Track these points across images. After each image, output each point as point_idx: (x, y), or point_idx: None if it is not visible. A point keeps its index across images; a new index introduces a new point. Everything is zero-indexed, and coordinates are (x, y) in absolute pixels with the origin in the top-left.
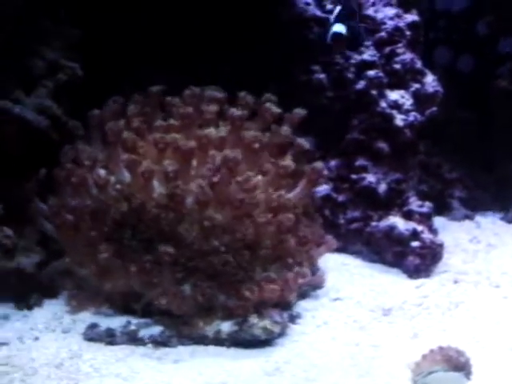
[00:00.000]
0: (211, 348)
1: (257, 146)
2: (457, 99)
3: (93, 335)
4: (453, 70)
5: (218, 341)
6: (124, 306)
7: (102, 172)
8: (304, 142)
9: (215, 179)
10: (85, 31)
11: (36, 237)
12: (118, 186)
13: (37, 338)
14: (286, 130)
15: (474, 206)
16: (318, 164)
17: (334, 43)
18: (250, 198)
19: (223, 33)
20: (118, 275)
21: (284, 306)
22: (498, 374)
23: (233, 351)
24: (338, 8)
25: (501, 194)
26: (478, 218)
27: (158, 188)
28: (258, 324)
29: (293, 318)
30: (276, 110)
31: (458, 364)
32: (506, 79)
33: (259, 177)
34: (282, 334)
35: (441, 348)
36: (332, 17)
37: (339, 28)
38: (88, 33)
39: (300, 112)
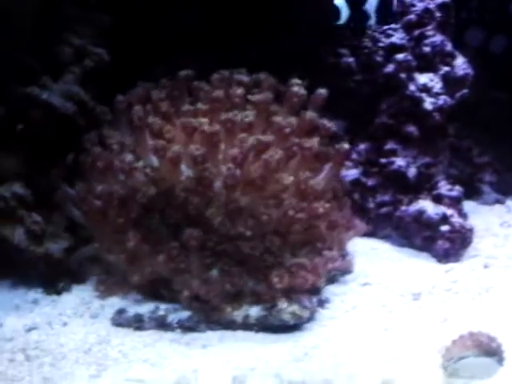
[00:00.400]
0: (240, 333)
1: (287, 130)
2: (489, 80)
3: (121, 321)
4: (485, 51)
5: (247, 326)
6: (152, 291)
7: (130, 157)
8: (330, 124)
9: (243, 162)
10: (116, 16)
11: (64, 223)
12: (147, 171)
13: (65, 323)
14: (311, 113)
15: (505, 190)
16: (344, 145)
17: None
18: (274, 178)
19: (251, 19)
20: (146, 261)
21: (313, 290)
22: None
23: (261, 336)
24: None
25: None
26: (509, 202)
27: (186, 172)
28: (286, 309)
29: (322, 303)
30: (303, 92)
31: (490, 350)
32: None
33: (282, 156)
34: (310, 319)
35: (471, 333)
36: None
37: (338, 2)
38: (119, 18)
39: (322, 92)
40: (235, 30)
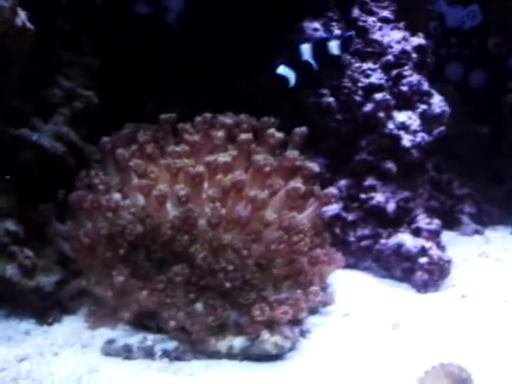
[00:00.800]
0: (224, 362)
1: (267, 169)
2: (469, 115)
3: (110, 350)
4: (465, 86)
5: (231, 355)
6: (141, 322)
7: (117, 196)
8: (313, 166)
9: (224, 201)
10: (107, 58)
11: (55, 257)
12: (133, 210)
13: (56, 353)
14: (293, 153)
15: (485, 221)
16: (331, 189)
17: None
18: (257, 215)
19: (239, 56)
20: (133, 296)
21: (295, 321)
22: None
23: (245, 365)
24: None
25: (510, 209)
26: (489, 232)
27: (171, 211)
28: (269, 339)
29: (303, 333)
30: (279, 135)
31: (460, 380)
32: None
33: (267, 196)
34: (292, 349)
35: (442, 364)
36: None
37: (284, 71)
38: (110, 59)
39: (302, 130)
40: (222, 68)
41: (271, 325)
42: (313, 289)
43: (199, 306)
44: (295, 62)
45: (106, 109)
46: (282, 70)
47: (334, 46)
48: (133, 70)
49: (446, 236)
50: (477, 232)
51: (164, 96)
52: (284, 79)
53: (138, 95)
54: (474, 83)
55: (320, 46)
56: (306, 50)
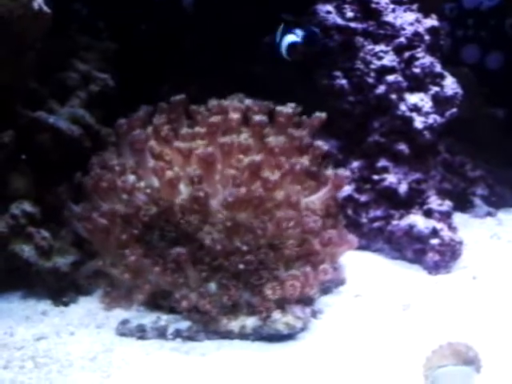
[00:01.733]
0: (236, 342)
1: (277, 150)
2: (485, 97)
3: (124, 330)
4: (481, 68)
5: (243, 335)
6: (155, 302)
7: (132, 178)
8: (322, 144)
9: (240, 181)
10: (123, 41)
11: (71, 238)
12: (148, 191)
13: (72, 333)
14: (302, 133)
15: (497, 203)
16: (342, 171)
17: (291, 54)
18: (269, 196)
19: (251, 39)
20: (147, 275)
21: (307, 301)
22: (508, 370)
23: (257, 345)
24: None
25: None
26: (501, 214)
27: (184, 192)
28: (280, 319)
29: (315, 313)
30: (287, 110)
31: (467, 358)
32: None
33: (279, 177)
34: (304, 329)
35: (450, 343)
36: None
37: (292, 38)
38: (126, 43)
39: (320, 116)
40: (237, 52)
41: (283, 304)
42: (323, 267)
43: (212, 286)
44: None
45: (122, 91)
46: (291, 38)
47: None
48: (149, 54)
49: (459, 218)
50: (489, 214)
51: (179, 79)
52: (295, 47)
53: (153, 78)
54: (491, 65)
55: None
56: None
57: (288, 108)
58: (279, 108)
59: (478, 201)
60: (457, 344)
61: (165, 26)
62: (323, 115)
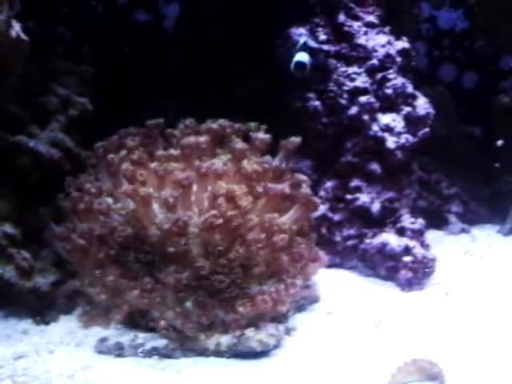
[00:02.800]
0: (212, 359)
1: (254, 175)
2: (460, 115)
3: (103, 348)
4: (457, 87)
5: (218, 353)
6: (132, 321)
7: (109, 200)
8: (301, 176)
9: (218, 209)
10: (106, 65)
11: (52, 259)
12: (123, 212)
13: (52, 351)
14: (280, 158)
15: (472, 220)
16: (307, 190)
17: (296, 71)
18: (243, 222)
19: (232, 62)
20: (125, 295)
21: (280, 319)
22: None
23: (232, 362)
24: (303, 39)
25: (498, 208)
26: (476, 231)
27: (159, 214)
28: (254, 337)
29: (289, 331)
30: (265, 137)
31: (431, 374)
32: (507, 95)
33: (251, 203)
34: (277, 346)
35: (414, 360)
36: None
37: (302, 57)
38: (109, 67)
39: (295, 140)
40: (217, 74)
41: (257, 322)
42: (294, 282)
43: (189, 305)
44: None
45: (104, 114)
46: (301, 56)
47: None
48: (131, 77)
49: (433, 235)
50: (463, 231)
51: (160, 102)
52: (301, 66)
53: (135, 101)
54: (466, 84)
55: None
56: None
57: (264, 135)
58: (255, 134)
59: (452, 218)
60: (421, 360)
61: (147, 49)
62: (297, 140)
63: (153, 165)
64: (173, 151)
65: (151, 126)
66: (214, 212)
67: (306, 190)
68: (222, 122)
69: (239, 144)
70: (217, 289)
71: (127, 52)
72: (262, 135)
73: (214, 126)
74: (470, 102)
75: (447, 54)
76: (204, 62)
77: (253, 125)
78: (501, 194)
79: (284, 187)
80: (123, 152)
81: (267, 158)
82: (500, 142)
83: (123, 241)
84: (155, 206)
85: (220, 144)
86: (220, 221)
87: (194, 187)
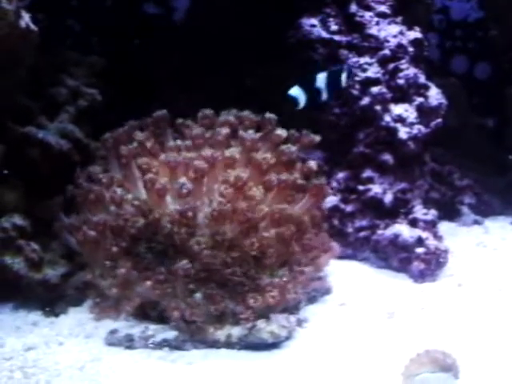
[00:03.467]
0: (223, 351)
1: (265, 166)
2: (473, 107)
3: (113, 340)
4: (470, 78)
5: (229, 344)
6: (143, 313)
7: (120, 190)
8: (312, 164)
9: (225, 197)
10: (115, 57)
11: (62, 250)
12: (136, 202)
13: (61, 343)
14: (291, 150)
15: (485, 212)
16: (320, 180)
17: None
18: (254, 213)
19: (243, 53)
20: (135, 287)
21: (292, 310)
22: (487, 375)
23: (243, 354)
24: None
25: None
26: (488, 222)
27: (171, 204)
28: (265, 328)
29: (300, 322)
30: (283, 133)
31: (445, 365)
32: None
33: (263, 193)
34: (289, 338)
35: (427, 351)
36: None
37: (294, 91)
38: (118, 59)
39: (313, 137)
40: (228, 65)
41: (267, 314)
42: (304, 273)
43: (198, 296)
44: (308, 87)
45: (114, 106)
46: (294, 91)
47: (343, 79)
48: (141, 69)
49: (446, 226)
50: (476, 222)
51: (170, 94)
52: (294, 100)
53: (145, 93)
54: (479, 75)
55: (334, 77)
56: (321, 78)
57: (283, 131)
58: (276, 130)
59: (465, 209)
60: (434, 351)
61: (156, 41)
62: (316, 138)
63: (164, 156)
64: (185, 142)
65: (158, 117)
66: (221, 199)
67: (320, 181)
68: (239, 113)
69: (250, 135)
70: (227, 280)
71: (137, 44)
72: (280, 131)
73: (231, 118)
74: (483, 93)
75: (460, 45)
76: (214, 53)
77: (269, 117)
78: None
79: (296, 178)
80: (134, 143)
81: (282, 148)
82: None
83: (136, 232)
84: (168, 198)
85: (233, 136)
86: (228, 208)
87: (205, 178)
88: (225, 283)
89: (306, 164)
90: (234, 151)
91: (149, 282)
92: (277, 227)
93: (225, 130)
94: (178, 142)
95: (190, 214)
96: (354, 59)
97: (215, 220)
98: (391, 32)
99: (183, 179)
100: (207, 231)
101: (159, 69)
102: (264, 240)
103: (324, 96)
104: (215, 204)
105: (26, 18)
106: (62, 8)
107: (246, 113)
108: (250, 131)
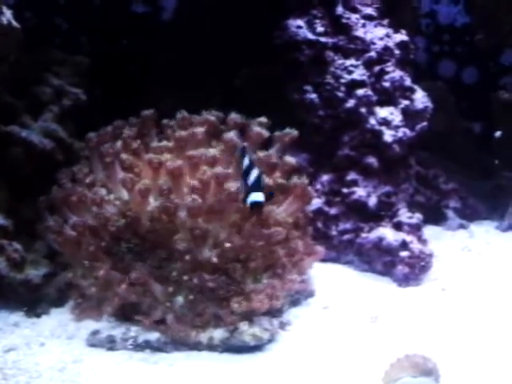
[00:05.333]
0: (204, 353)
1: None
2: (460, 111)
3: (95, 341)
4: (457, 83)
5: (211, 347)
6: (125, 314)
7: (102, 190)
8: (291, 160)
9: (204, 192)
10: (104, 56)
11: (45, 251)
12: (117, 203)
13: (43, 344)
14: (270, 153)
15: (470, 216)
16: (302, 180)
17: (252, 209)
18: (234, 206)
19: (230, 53)
20: (116, 288)
21: (275, 313)
22: (468, 379)
23: (224, 356)
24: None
25: (497, 204)
26: (474, 227)
27: (153, 203)
28: (247, 331)
29: (283, 325)
30: (263, 132)
31: (426, 369)
32: (508, 90)
33: None
34: (271, 340)
35: (407, 355)
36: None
37: (257, 197)
38: (107, 58)
39: (291, 133)
40: (215, 65)
41: (250, 316)
42: (289, 277)
43: (180, 299)
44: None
45: (100, 106)
46: (257, 196)
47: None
48: (129, 68)
49: (431, 230)
50: (461, 226)
51: (158, 93)
52: (258, 205)
53: (132, 92)
54: (466, 80)
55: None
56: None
57: (259, 127)
58: (250, 126)
59: (450, 213)
60: (414, 356)
61: (144, 41)
62: (294, 132)
63: (147, 156)
64: (167, 143)
65: (146, 116)
66: (194, 196)
67: (301, 181)
68: (218, 114)
69: (232, 135)
70: (210, 283)
71: (125, 43)
72: (258, 129)
73: (211, 117)
74: (470, 97)
75: (447, 50)
76: (202, 52)
77: (252, 118)
78: (499, 190)
79: (276, 177)
80: (119, 143)
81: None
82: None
83: (116, 231)
84: (150, 198)
85: (215, 136)
86: (200, 203)
87: (187, 178)
88: (207, 286)
89: (285, 161)
90: (213, 151)
91: (124, 285)
92: (263, 229)
93: (201, 129)
94: (164, 142)
95: (170, 209)
96: (339, 61)
97: (193, 216)
98: (377, 34)
99: (165, 179)
100: (188, 228)
101: (147, 68)
102: (250, 240)
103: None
104: (194, 200)
105: (7, 15)
106: (50, 7)
107: (223, 115)
108: (232, 132)
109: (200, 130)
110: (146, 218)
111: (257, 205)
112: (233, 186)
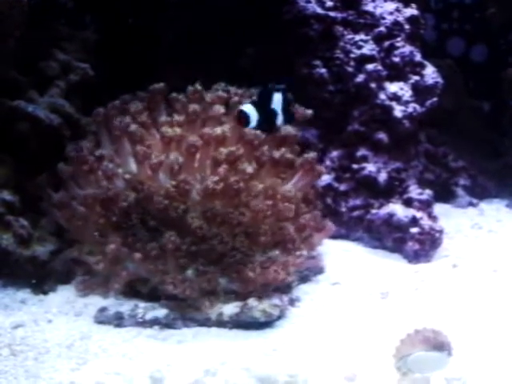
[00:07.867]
0: (214, 330)
1: (256, 142)
2: (469, 89)
3: (102, 318)
4: (466, 61)
5: (221, 323)
6: (133, 290)
7: (110, 165)
8: (294, 132)
9: (217, 173)
10: (108, 34)
11: (51, 227)
12: (127, 176)
13: (50, 321)
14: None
15: (480, 194)
16: (310, 154)
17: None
18: (245, 188)
19: (237, 31)
20: (125, 263)
21: (284, 289)
22: (480, 354)
23: (234, 333)
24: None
25: (507, 182)
26: (483, 205)
27: (163, 179)
28: (257, 307)
29: (292, 301)
30: None
31: (437, 343)
32: None
33: (255, 169)
34: (281, 317)
35: (417, 330)
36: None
37: (248, 109)
38: (111, 35)
39: (306, 111)
40: (222, 42)
41: (260, 292)
42: (300, 253)
43: (190, 273)
44: (263, 107)
45: (108, 82)
46: (247, 107)
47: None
48: (135, 45)
49: (441, 208)
50: (471, 204)
51: (164, 70)
52: (246, 118)
53: (139, 70)
54: (475, 58)
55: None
56: (277, 98)
57: None
58: None
59: (460, 191)
60: (424, 330)
61: (150, 18)
62: (308, 112)
63: (161, 129)
64: (177, 117)
65: (155, 90)
66: (214, 178)
67: (310, 155)
68: (230, 88)
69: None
70: (220, 256)
71: (131, 21)
72: None
73: (221, 93)
74: (480, 75)
75: (456, 27)
76: (208, 29)
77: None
78: (509, 169)
79: (285, 152)
80: (127, 117)
81: None
82: None
83: (126, 206)
84: (160, 173)
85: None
86: (221, 186)
87: (198, 154)
88: (217, 259)
89: (288, 135)
90: (225, 128)
91: (138, 255)
92: (272, 204)
93: (219, 107)
94: (175, 116)
95: (186, 187)
96: (349, 36)
97: (208, 197)
98: (387, 9)
99: (176, 154)
100: (198, 208)
101: (153, 46)
102: (259, 217)
103: (279, 119)
104: (209, 182)
105: None
106: None
107: (234, 89)
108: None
109: (218, 108)
110: (157, 194)
111: (242, 114)
112: (245, 166)
